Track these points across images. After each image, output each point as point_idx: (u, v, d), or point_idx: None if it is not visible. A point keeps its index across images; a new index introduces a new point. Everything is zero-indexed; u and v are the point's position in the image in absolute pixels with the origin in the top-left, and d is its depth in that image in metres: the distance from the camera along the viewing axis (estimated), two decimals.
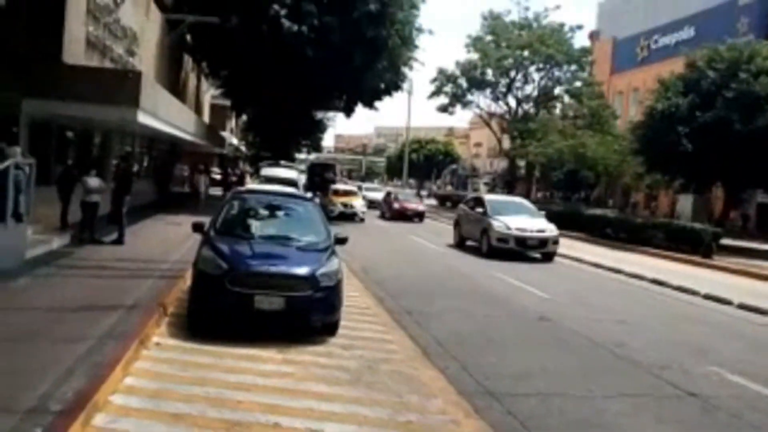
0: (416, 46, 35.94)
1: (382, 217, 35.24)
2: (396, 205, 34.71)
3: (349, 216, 30.60)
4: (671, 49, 44.66)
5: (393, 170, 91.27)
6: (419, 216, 34.30)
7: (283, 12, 27.13)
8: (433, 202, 56.85)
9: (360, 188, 43.50)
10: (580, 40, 67.01)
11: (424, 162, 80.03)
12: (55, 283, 10.09)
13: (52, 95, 13.45)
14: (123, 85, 14.32)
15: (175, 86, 28.58)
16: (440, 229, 29.13)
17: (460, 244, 22.20)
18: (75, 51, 15.25)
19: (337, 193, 33.11)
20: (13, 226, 10.58)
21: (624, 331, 10.72)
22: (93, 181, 14.39)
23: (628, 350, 9.39)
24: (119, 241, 14.48)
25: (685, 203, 33.25)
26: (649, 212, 40.79)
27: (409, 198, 37.75)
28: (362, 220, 30.90)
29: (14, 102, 13.00)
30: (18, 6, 11.74)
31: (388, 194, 39.68)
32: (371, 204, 38.46)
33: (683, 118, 28.26)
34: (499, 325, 10.63)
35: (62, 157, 16.55)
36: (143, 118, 15.24)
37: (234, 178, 37.95)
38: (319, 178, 41.48)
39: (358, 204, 32.06)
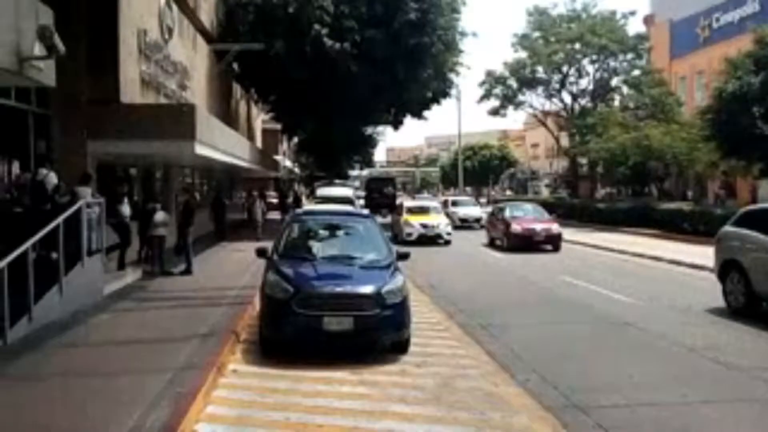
0: (461, 51, 35.61)
1: (492, 244, 24.78)
2: (516, 228, 22.98)
3: (430, 239, 24.87)
4: (735, 26, 42.58)
5: (448, 179, 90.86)
6: (554, 242, 22.96)
7: (324, 31, 27.44)
8: (489, 209, 56.24)
9: (448, 203, 36.38)
10: (635, 27, 65.33)
11: (479, 168, 79.33)
12: (133, 317, 10.43)
13: (114, 135, 13.94)
14: (179, 119, 14.69)
15: (227, 115, 29.22)
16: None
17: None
18: (131, 90, 15.78)
19: (412, 211, 26.94)
20: (89, 264, 10.99)
21: (718, 333, 10.15)
22: (158, 215, 14.81)
23: (722, 353, 8.83)
24: (188, 272, 14.84)
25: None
26: (719, 200, 38.97)
27: (528, 213, 25.29)
28: (448, 242, 25.12)
29: (81, 144, 13.54)
30: (77, 52, 12.25)
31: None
32: (462, 223, 32.74)
33: (756, 98, 26.42)
34: (579, 333, 10.33)
35: (128, 194, 17.11)
36: (200, 149, 15.62)
37: (290, 201, 38.24)
38: (378, 194, 40.02)
39: (441, 223, 25.75)
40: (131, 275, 13.79)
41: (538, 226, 23.08)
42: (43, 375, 7.09)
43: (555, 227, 23.43)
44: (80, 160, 13.29)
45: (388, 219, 33.56)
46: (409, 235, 24.81)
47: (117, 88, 14.72)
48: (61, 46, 7.14)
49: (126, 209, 14.17)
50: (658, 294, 13.76)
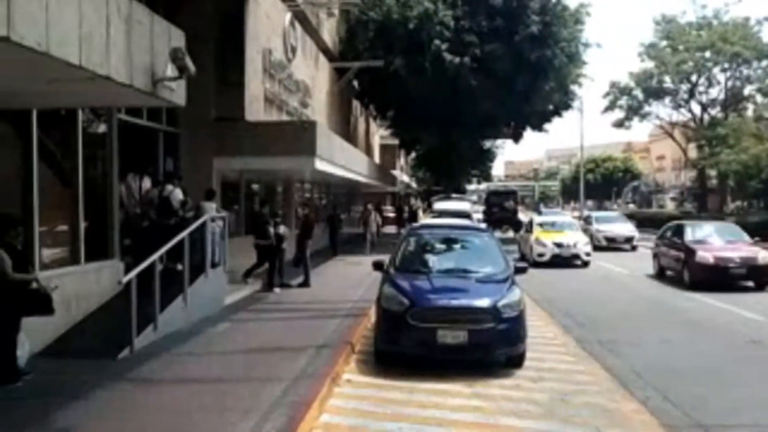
0: (584, 62, 34.62)
1: (680, 278, 17.07)
2: (705, 257, 16.30)
3: (565, 260, 21.39)
4: None
5: (568, 192, 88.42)
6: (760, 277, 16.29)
7: (444, 46, 27.46)
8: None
9: (591, 219, 31.43)
10: None
11: (601, 181, 76.73)
12: (251, 327, 10.79)
13: (238, 152, 14.57)
14: (300, 136, 15.16)
15: (346, 131, 29.91)
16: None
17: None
18: (256, 108, 16.47)
19: (544, 227, 23.34)
20: (213, 276, 11.51)
21: None
22: (281, 229, 15.27)
23: None
24: (305, 284, 15.20)
25: None
26: None
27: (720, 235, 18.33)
28: (586, 264, 21.36)
29: (207, 161, 14.26)
30: (206, 73, 12.89)
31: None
32: (609, 243, 27.99)
33: None
34: (702, 350, 9.76)
35: (251, 208, 17.81)
36: (320, 165, 16.03)
37: (407, 215, 38.42)
38: (499, 208, 37.59)
39: (579, 242, 22.02)
40: (250, 287, 14.29)
41: (735, 255, 16.47)
42: (162, 381, 7.45)
43: (762, 255, 16.45)
44: (206, 177, 13.98)
45: (510, 235, 32.95)
46: (541, 255, 21.46)
47: (242, 107, 15.40)
48: (192, 67, 7.51)
49: (278, 229, 14.68)
50: None
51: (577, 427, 6.28)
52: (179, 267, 10.49)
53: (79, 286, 9.37)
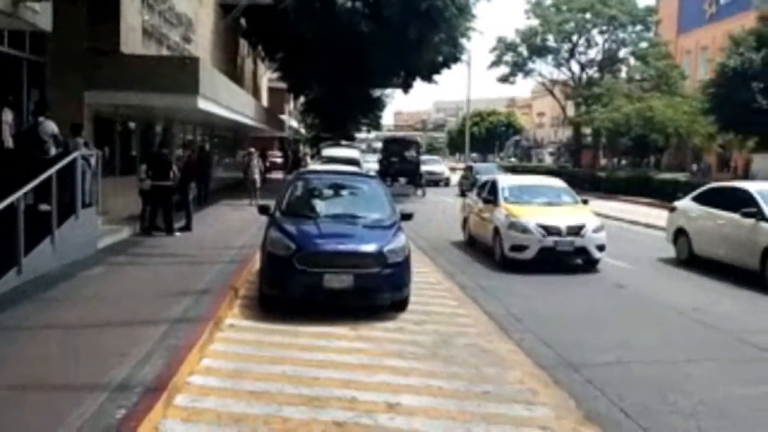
0: (474, 16, 35.03)
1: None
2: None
3: (561, 258, 12.12)
4: (741, 3, 42.53)
5: (454, 145, 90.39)
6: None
7: None
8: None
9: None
10: None
11: (485, 135, 78.89)
12: (128, 271, 10.33)
13: (113, 86, 13.65)
14: (182, 73, 14.39)
15: (232, 71, 28.80)
16: None
17: None
18: (132, 41, 15.45)
19: (520, 197, 13.24)
20: (84, 217, 10.82)
21: (703, 295, 10.35)
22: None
23: (707, 315, 9.02)
24: (187, 228, 14.68)
25: (761, 163, 31.62)
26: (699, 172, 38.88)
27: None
28: (595, 263, 12.28)
29: (77, 95, 13.25)
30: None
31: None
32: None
33: (757, 74, 27.01)
34: (575, 295, 10.33)
35: (126, 149, 16.90)
36: (203, 105, 15.35)
37: (292, 161, 37.41)
38: (398, 158, 32.80)
39: (588, 225, 12.08)
40: (127, 231, 13.63)
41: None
42: (32, 327, 6.98)
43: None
44: (76, 111, 12.97)
45: (418, 193, 30.50)
46: (519, 249, 12.09)
47: (117, 38, 14.39)
48: None
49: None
50: (643, 255, 14.26)
51: (458, 367, 6.47)
52: (43, 207, 9.71)
53: None
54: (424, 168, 33.75)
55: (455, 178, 39.15)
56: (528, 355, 7.02)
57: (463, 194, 24.45)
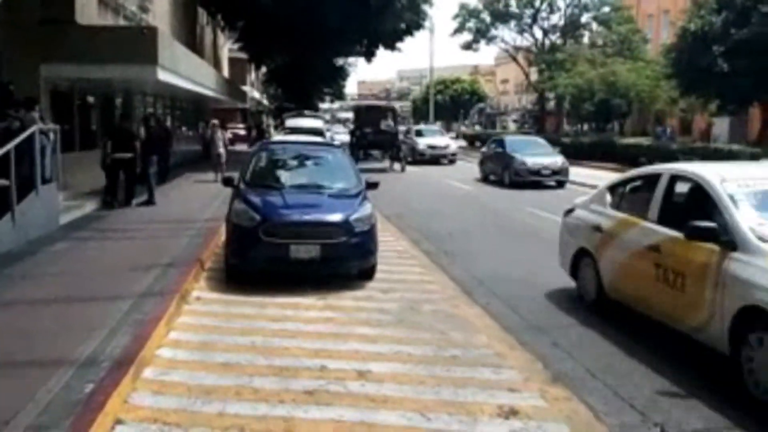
0: None
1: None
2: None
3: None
4: None
5: (419, 113, 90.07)
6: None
7: None
8: (462, 143, 55.88)
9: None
10: None
11: (450, 103, 78.79)
12: (92, 246, 10.18)
13: (69, 59, 13.30)
14: (139, 43, 14.09)
15: (192, 41, 28.25)
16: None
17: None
18: (88, 11, 15.04)
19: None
20: (45, 192, 10.61)
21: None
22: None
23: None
24: (150, 202, 14.51)
25: (722, 126, 32.25)
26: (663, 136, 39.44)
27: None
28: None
29: (34, 68, 12.89)
30: None
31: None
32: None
33: (718, 37, 27.12)
34: (532, 258, 10.48)
35: (86, 123, 16.53)
36: (163, 75, 15.06)
37: (255, 133, 36.71)
38: (372, 128, 28.28)
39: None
40: (89, 206, 13.42)
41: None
42: None
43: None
44: (31, 86, 12.62)
45: (385, 165, 27.53)
46: None
47: (72, 8, 13.99)
48: None
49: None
50: None
51: (425, 332, 6.55)
52: (1, 182, 9.46)
53: None
54: (424, 141, 31.81)
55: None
56: (494, 319, 7.14)
57: (486, 178, 23.62)
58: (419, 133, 33.46)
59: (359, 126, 29.43)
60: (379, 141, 28.38)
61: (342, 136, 36.39)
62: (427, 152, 31.24)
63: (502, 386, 5.29)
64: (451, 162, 32.05)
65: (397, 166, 27.21)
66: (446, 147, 32.51)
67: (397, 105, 43.89)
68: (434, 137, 33.57)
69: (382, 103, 48.60)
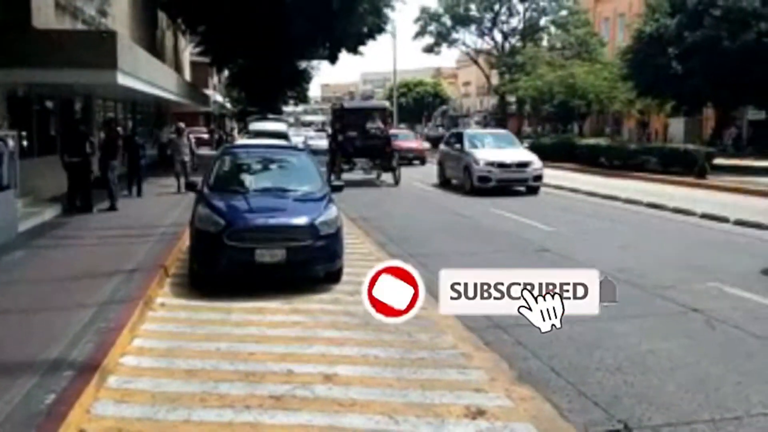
0: None
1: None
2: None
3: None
4: None
5: None
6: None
7: None
8: (426, 144, 56.04)
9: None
10: None
11: (413, 105, 79.15)
12: (52, 254, 10.00)
13: (25, 63, 13.02)
14: (99, 47, 13.85)
15: (152, 45, 27.87)
16: None
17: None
18: (45, 14, 14.75)
19: None
20: (3, 200, 10.38)
21: (626, 256, 10.70)
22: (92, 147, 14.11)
23: (630, 274, 9.28)
24: (112, 208, 14.30)
25: (677, 126, 33.06)
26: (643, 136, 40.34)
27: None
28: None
29: None
30: None
31: None
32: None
33: (672, 40, 27.91)
34: (504, 261, 10.59)
35: (45, 129, 16.21)
36: (123, 80, 14.82)
37: (217, 137, 36.25)
38: (359, 133, 22.74)
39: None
40: (49, 212, 13.16)
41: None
42: None
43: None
44: None
45: (372, 176, 23.25)
46: None
47: (28, 11, 13.69)
48: None
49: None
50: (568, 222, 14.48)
51: (392, 335, 6.56)
52: None
53: None
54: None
55: None
56: (458, 319, 7.20)
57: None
58: (473, 143, 20.85)
59: (341, 130, 23.54)
60: (367, 147, 22.49)
61: (317, 141, 35.52)
62: (493, 175, 19.20)
63: (469, 387, 5.34)
64: (422, 163, 31.72)
65: (387, 177, 22.68)
66: (528, 165, 19.69)
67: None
68: (502, 150, 20.39)
69: (370, 103, 45.72)
